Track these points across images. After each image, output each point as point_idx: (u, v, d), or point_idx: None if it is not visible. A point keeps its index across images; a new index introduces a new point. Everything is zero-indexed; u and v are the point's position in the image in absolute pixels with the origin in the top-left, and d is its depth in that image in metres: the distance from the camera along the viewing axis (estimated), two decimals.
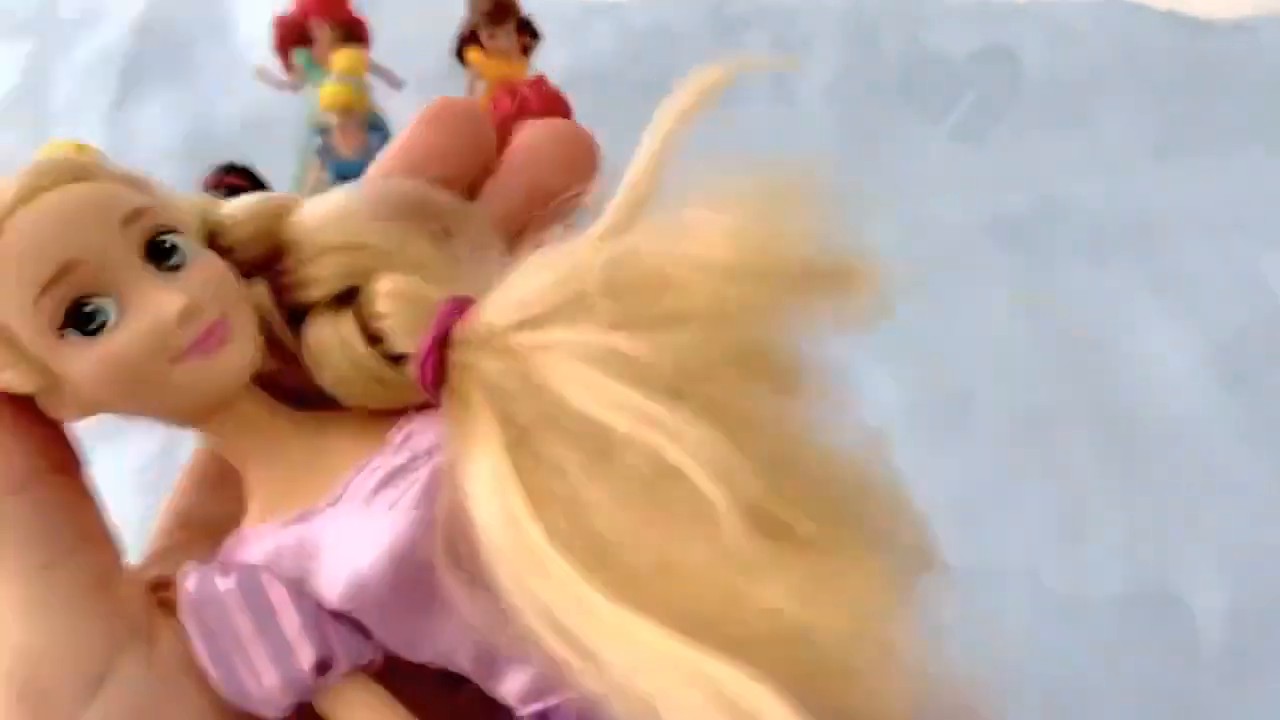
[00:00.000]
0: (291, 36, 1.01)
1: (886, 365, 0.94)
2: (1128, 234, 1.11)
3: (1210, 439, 0.97)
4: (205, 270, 0.21)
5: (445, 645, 0.21)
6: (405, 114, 1.20)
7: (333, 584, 0.20)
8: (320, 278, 0.22)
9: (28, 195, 0.20)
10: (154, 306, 0.20)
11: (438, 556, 0.19)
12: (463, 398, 0.20)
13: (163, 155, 1.16)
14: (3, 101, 1.21)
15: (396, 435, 0.21)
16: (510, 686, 0.20)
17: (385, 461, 0.21)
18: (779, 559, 0.18)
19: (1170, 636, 0.86)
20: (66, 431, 0.23)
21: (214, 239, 0.23)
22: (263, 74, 1.03)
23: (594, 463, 0.19)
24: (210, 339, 0.20)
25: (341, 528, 0.21)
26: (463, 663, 0.21)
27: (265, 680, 0.20)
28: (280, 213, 0.23)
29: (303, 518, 0.21)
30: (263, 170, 0.85)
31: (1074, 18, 1.25)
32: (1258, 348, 1.00)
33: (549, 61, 1.22)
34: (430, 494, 0.20)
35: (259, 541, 0.21)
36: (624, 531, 0.18)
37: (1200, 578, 0.89)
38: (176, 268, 0.20)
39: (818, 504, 0.19)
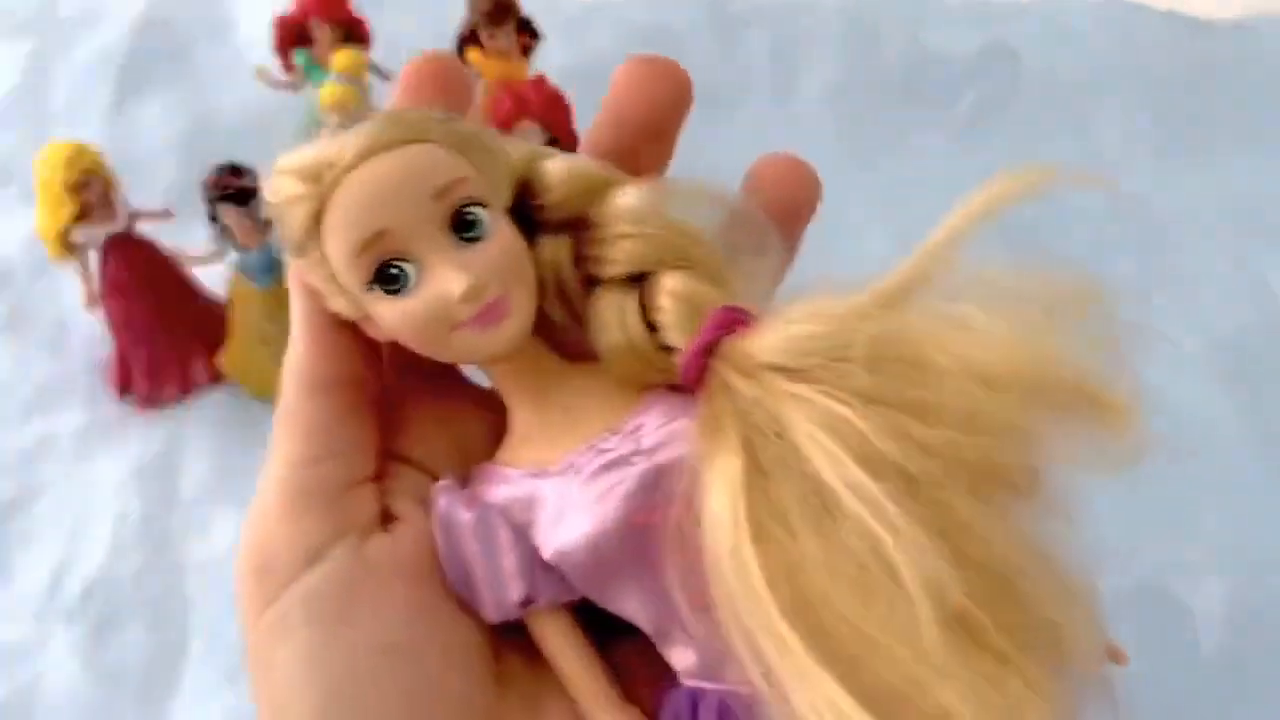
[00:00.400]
0: (291, 37, 1.01)
1: None
2: (1128, 234, 1.12)
3: (1210, 439, 0.97)
4: (498, 246, 0.24)
5: (630, 609, 0.24)
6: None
7: (544, 544, 0.24)
8: (615, 260, 0.25)
9: (365, 154, 0.23)
10: (443, 282, 0.23)
11: (663, 544, 0.23)
12: (715, 409, 0.22)
13: (163, 155, 1.16)
14: (3, 101, 1.21)
15: (630, 422, 0.25)
16: (679, 658, 0.24)
17: (611, 446, 0.24)
18: (966, 663, 0.19)
19: (1170, 636, 0.86)
20: (380, 350, 0.26)
21: (528, 188, 0.26)
22: (262, 74, 1.03)
23: (817, 522, 0.20)
24: (488, 315, 0.24)
25: (561, 497, 0.24)
26: (643, 625, 0.25)
27: (483, 598, 0.25)
28: (600, 189, 0.25)
29: (537, 474, 0.25)
30: (263, 170, 0.85)
31: (1074, 18, 1.25)
32: (1258, 348, 0.99)
33: (549, 61, 1.22)
34: (639, 493, 0.23)
35: (503, 484, 0.25)
36: (830, 593, 0.20)
37: (1200, 578, 0.89)
38: (475, 239, 0.24)
39: (1016, 619, 0.20)
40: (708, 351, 0.23)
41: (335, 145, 0.24)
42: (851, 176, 1.09)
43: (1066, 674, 0.21)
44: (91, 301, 0.91)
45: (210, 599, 0.83)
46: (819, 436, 0.20)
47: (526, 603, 0.25)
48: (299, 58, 1.01)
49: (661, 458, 0.23)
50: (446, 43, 1.07)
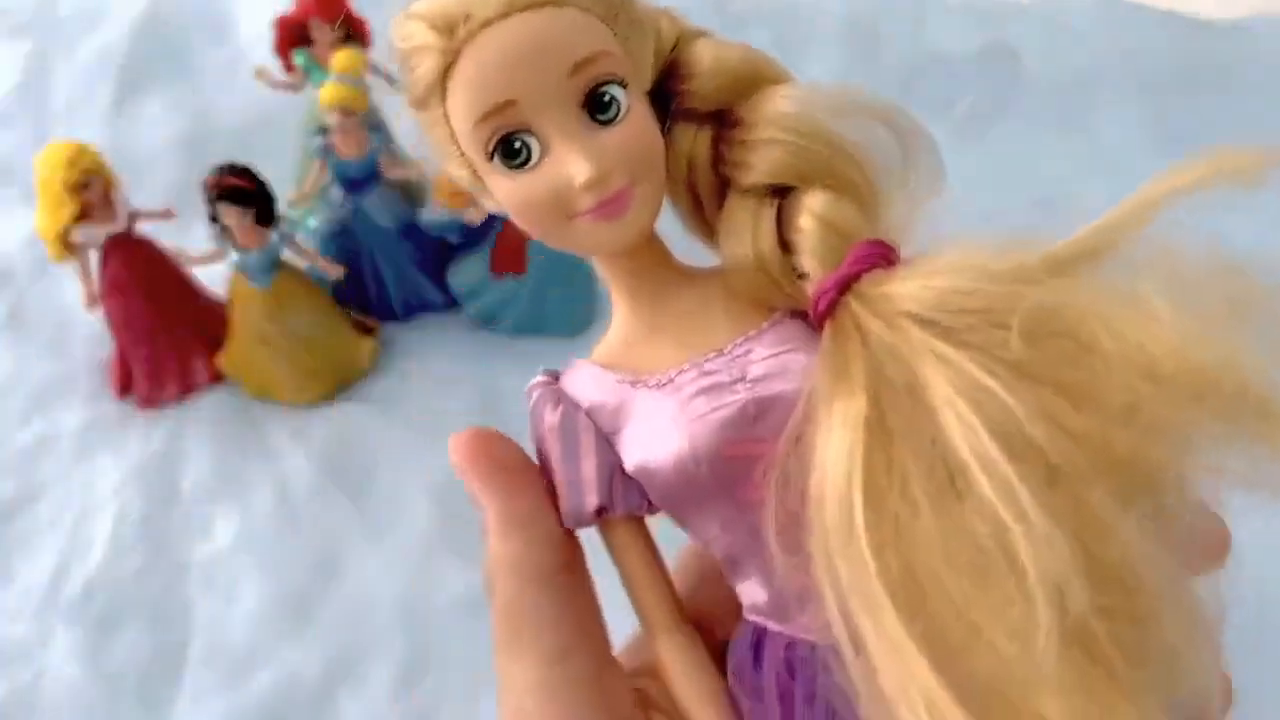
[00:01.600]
0: (292, 37, 1.01)
1: None
2: None
3: None
4: (631, 131, 0.22)
5: (707, 534, 0.24)
6: (406, 114, 1.20)
7: (628, 454, 0.24)
8: (758, 166, 0.23)
9: (506, 10, 0.21)
10: (566, 166, 0.21)
11: (759, 479, 0.21)
12: (842, 349, 0.21)
13: (163, 155, 1.16)
14: (3, 101, 1.21)
15: (740, 345, 0.23)
16: (748, 593, 0.24)
17: (715, 369, 0.23)
18: (1076, 675, 0.18)
19: None
20: (575, 535, 0.25)
21: (673, 69, 0.24)
22: (263, 74, 1.03)
23: (940, 496, 0.19)
24: (610, 207, 0.22)
25: (653, 412, 0.23)
26: (716, 552, 0.24)
27: (561, 503, 0.24)
28: (754, 84, 0.23)
29: (634, 382, 0.24)
30: (263, 169, 0.85)
31: (1074, 18, 1.25)
32: None
33: None
34: (737, 424, 0.22)
35: (595, 387, 0.24)
36: (941, 574, 0.18)
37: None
38: (608, 122, 0.22)
39: (1134, 637, 0.19)
40: (845, 287, 0.21)
41: None
42: None
43: (1177, 707, 0.19)
44: (92, 301, 0.91)
45: (210, 598, 0.83)
46: (958, 405, 0.19)
47: (601, 512, 0.24)
48: (299, 58, 1.01)
49: (766, 390, 0.22)
50: None
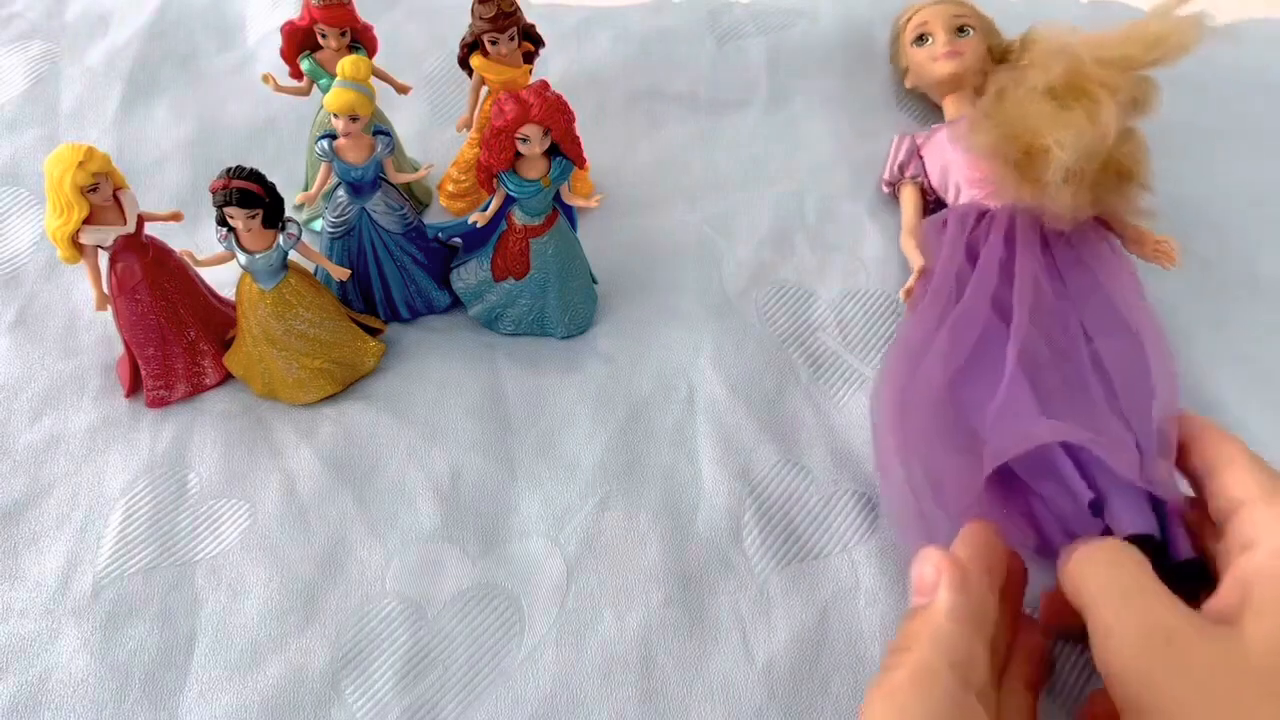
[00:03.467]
0: (299, 43, 1.03)
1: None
2: None
3: None
4: (972, 45, 1.06)
5: (949, 183, 0.97)
6: (411, 119, 1.21)
7: (926, 154, 0.98)
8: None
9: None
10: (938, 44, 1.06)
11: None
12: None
13: (170, 158, 1.17)
14: (13, 104, 1.22)
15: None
16: (965, 198, 0.93)
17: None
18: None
19: None
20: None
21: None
22: (269, 80, 1.04)
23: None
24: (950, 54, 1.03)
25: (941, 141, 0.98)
26: (946, 189, 0.97)
27: (891, 162, 1.03)
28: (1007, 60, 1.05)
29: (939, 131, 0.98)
30: (270, 173, 0.86)
31: (1065, 20, 1.27)
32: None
33: (550, 67, 1.23)
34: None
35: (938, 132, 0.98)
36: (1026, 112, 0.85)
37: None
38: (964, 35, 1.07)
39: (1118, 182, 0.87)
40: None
41: None
42: (848, 180, 1.10)
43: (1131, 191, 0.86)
44: (101, 302, 0.92)
45: (218, 594, 0.84)
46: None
47: (901, 169, 0.95)
48: (305, 63, 1.03)
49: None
50: (450, 49, 1.09)
